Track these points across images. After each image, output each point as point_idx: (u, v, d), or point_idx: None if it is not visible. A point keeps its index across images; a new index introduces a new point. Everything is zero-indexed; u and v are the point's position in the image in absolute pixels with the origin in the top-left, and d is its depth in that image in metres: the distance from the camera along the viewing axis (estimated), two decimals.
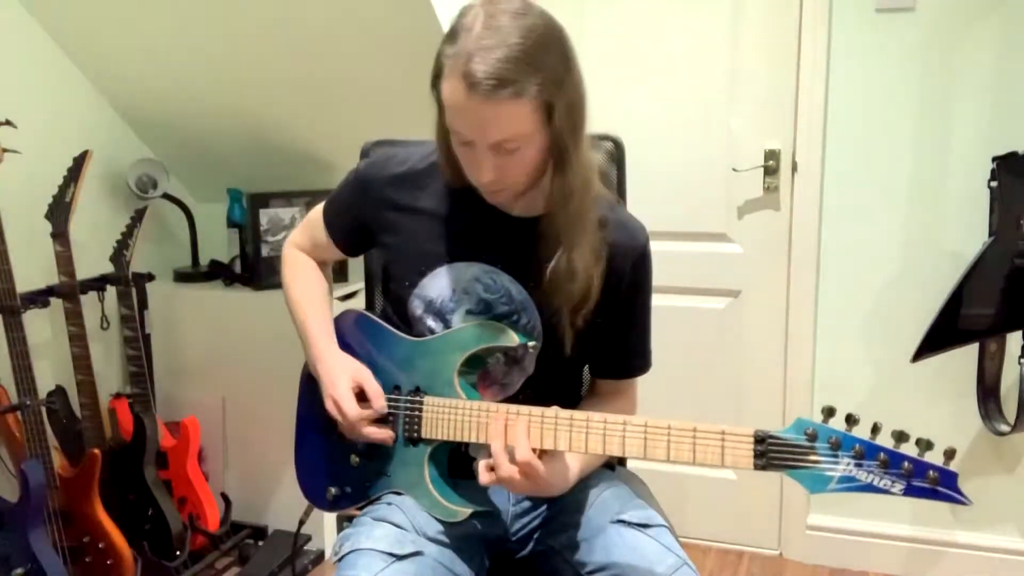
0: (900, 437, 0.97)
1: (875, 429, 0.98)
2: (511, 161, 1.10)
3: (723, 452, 1.03)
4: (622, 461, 1.47)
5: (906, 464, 0.96)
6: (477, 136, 1.08)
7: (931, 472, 0.95)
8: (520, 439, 1.10)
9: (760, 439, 1.01)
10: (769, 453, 1.01)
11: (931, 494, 0.96)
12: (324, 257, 1.42)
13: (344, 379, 1.22)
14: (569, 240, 1.16)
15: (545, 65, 1.05)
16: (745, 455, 1.02)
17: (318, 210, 1.39)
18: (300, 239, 1.42)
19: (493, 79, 1.02)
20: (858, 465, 0.97)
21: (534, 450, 1.10)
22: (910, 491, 0.96)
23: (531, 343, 1.22)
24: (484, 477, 1.11)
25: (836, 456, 0.98)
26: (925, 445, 0.96)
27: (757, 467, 1.01)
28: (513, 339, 1.18)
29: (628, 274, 1.24)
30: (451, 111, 1.08)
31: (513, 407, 1.14)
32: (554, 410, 1.12)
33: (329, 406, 1.22)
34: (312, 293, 1.37)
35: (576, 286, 1.17)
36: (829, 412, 1.00)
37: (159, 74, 2.34)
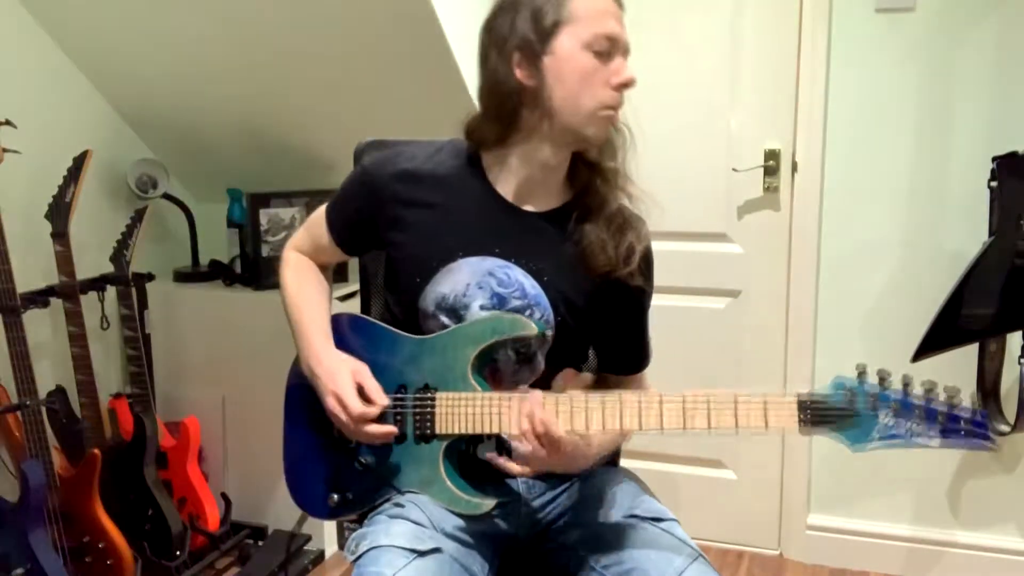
0: (930, 387, 1.03)
1: (906, 383, 1.04)
2: None
3: (766, 416, 1.07)
4: (615, 461, 1.46)
5: (940, 415, 1.02)
6: (621, 35, 1.20)
7: (963, 420, 1.02)
8: (548, 415, 1.11)
9: (803, 401, 1.06)
10: (811, 413, 1.06)
11: (964, 437, 1.02)
12: (325, 260, 1.41)
13: (345, 375, 1.21)
14: (619, 182, 1.26)
15: None
16: (790, 417, 1.06)
17: (320, 211, 1.38)
18: (300, 241, 1.42)
19: None
20: (897, 419, 1.03)
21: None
22: (946, 437, 1.03)
23: (548, 332, 1.23)
24: (515, 467, 1.14)
25: (875, 413, 1.04)
26: (953, 391, 1.02)
27: (803, 428, 1.06)
28: (531, 328, 1.18)
29: (640, 262, 1.26)
30: (602, 13, 1.19)
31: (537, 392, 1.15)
32: (582, 393, 1.14)
33: (332, 404, 1.20)
34: (310, 293, 1.35)
35: (622, 242, 1.23)
36: (863, 371, 1.05)
37: (159, 74, 2.34)
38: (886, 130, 2.21)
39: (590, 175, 1.26)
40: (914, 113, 2.18)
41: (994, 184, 2.04)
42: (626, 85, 1.21)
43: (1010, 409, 2.10)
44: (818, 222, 2.30)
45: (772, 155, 2.33)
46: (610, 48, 1.18)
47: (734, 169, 2.35)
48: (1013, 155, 2.02)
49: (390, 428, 1.20)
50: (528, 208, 1.25)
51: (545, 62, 1.17)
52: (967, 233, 2.14)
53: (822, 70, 2.22)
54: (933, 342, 2.05)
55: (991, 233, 2.04)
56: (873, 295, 2.28)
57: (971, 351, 2.11)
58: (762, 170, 2.34)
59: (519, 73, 1.18)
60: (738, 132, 2.35)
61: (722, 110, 2.35)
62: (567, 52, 1.17)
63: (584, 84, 1.18)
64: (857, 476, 2.35)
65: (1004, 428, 2.10)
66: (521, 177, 1.24)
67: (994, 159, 2.04)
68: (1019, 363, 2.06)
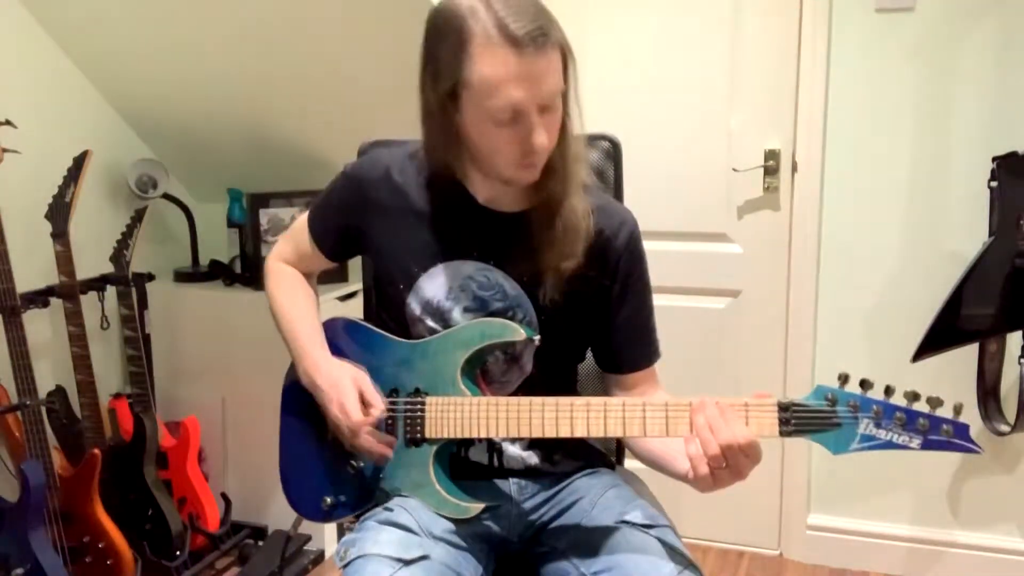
0: (913, 397, 1.02)
1: (888, 391, 1.03)
2: (551, 122, 1.13)
3: (747, 422, 1.06)
4: (619, 460, 1.47)
5: (921, 420, 1.01)
6: (532, 95, 1.07)
7: (945, 426, 1.01)
8: (735, 423, 1.07)
9: (784, 407, 1.05)
10: (793, 420, 1.04)
11: (946, 446, 1.01)
12: (309, 268, 1.41)
13: (347, 383, 1.20)
14: (575, 182, 1.20)
15: (553, 16, 1.10)
16: (770, 423, 1.05)
17: (302, 219, 1.38)
18: (283, 250, 1.41)
19: (538, 31, 1.05)
20: (877, 424, 1.02)
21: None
22: (927, 445, 1.02)
23: (536, 336, 1.22)
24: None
25: (856, 418, 1.03)
26: (935, 402, 1.02)
27: (783, 433, 1.05)
28: (519, 333, 1.18)
29: (624, 253, 1.25)
30: (498, 84, 1.07)
31: (525, 399, 1.15)
32: (568, 399, 1.13)
33: (336, 412, 1.20)
34: (299, 303, 1.35)
35: (579, 237, 1.19)
36: (844, 379, 1.04)
37: (159, 74, 2.34)
38: (886, 130, 2.21)
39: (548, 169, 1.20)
40: (914, 113, 2.18)
41: (994, 184, 2.04)
42: (531, 152, 1.12)
43: (1010, 409, 2.10)
44: (818, 222, 2.30)
45: (772, 155, 2.33)
46: (515, 116, 1.09)
47: (734, 169, 2.35)
48: (1013, 155, 2.02)
49: (388, 440, 1.20)
50: (503, 209, 1.24)
51: (457, 120, 1.14)
52: (967, 233, 2.14)
53: (822, 70, 2.22)
54: (933, 342, 2.05)
55: (991, 233, 2.04)
56: (873, 295, 2.28)
57: (971, 351, 2.11)
58: (762, 170, 2.34)
59: (441, 122, 1.15)
60: (738, 132, 2.35)
61: (722, 110, 2.35)
62: (470, 119, 1.13)
63: (492, 149, 1.14)
64: (857, 476, 2.35)
65: (1004, 428, 2.10)
66: (488, 184, 1.23)
67: (994, 159, 2.04)
68: (1019, 363, 2.06)
